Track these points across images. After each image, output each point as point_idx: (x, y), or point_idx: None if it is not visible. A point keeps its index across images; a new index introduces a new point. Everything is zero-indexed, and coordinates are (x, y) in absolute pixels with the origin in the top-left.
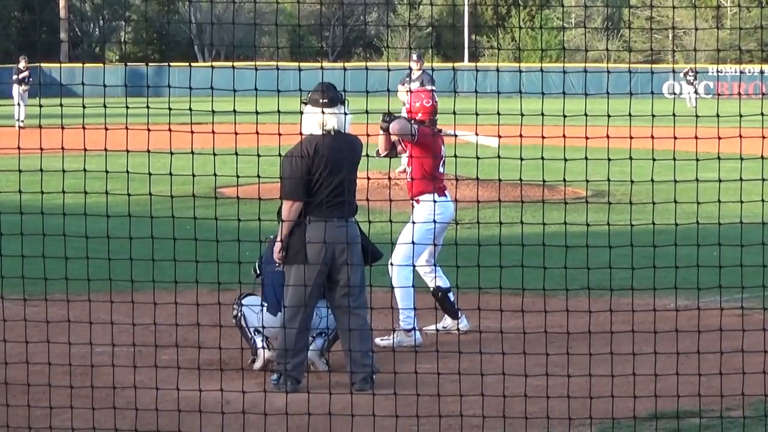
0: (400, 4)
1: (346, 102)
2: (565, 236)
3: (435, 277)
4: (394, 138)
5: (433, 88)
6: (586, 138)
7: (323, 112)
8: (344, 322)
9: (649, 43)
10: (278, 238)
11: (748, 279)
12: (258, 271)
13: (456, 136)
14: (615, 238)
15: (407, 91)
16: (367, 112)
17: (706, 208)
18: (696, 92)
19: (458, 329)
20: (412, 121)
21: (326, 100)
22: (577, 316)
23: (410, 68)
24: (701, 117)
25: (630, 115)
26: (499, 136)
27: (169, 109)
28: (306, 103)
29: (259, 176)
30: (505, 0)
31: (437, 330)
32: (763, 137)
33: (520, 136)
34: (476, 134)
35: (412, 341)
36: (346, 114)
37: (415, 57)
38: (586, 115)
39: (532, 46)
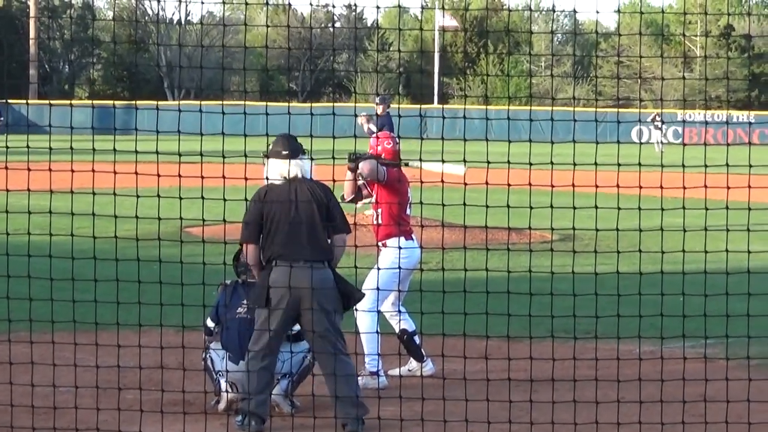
0: (370, 47)
1: (307, 153)
2: (530, 282)
3: (400, 320)
4: (360, 182)
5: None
6: (552, 186)
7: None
8: (326, 367)
9: (618, 89)
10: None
11: (711, 327)
12: (212, 325)
13: (421, 166)
14: (580, 284)
15: (366, 123)
16: (333, 157)
17: (670, 254)
18: (663, 138)
19: (421, 373)
20: (380, 160)
21: (287, 152)
22: (542, 362)
23: (376, 112)
24: (667, 165)
25: (596, 163)
26: (465, 161)
27: (136, 152)
28: (267, 156)
29: (225, 220)
30: (474, 44)
31: (401, 375)
32: (728, 187)
33: (486, 183)
34: (442, 162)
35: (377, 384)
36: (311, 159)
37: (377, 100)
38: (552, 163)
39: (501, 90)
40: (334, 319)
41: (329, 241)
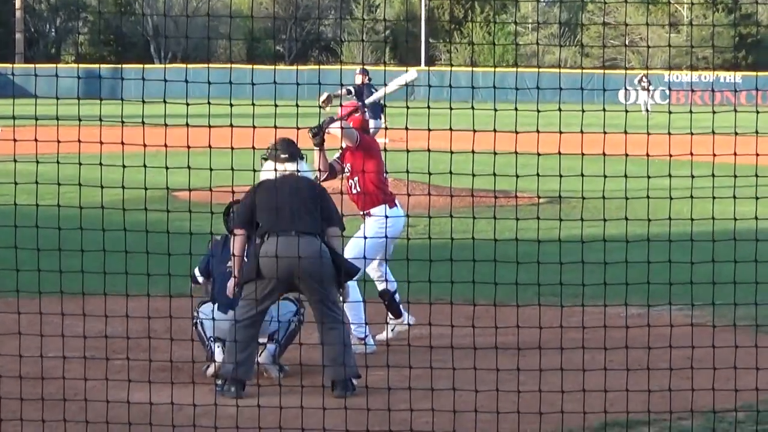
0: (357, 10)
1: (305, 157)
2: (516, 247)
3: (385, 281)
4: (332, 159)
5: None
6: (538, 154)
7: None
8: (321, 333)
9: (606, 50)
10: (233, 274)
11: (697, 291)
12: (196, 277)
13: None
14: (566, 249)
15: (327, 104)
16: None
17: (658, 219)
18: (651, 99)
19: (408, 331)
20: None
21: (285, 155)
22: (529, 327)
23: (356, 84)
24: (654, 125)
25: (581, 131)
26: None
27: (122, 122)
28: (265, 159)
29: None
30: (461, 6)
31: (388, 341)
32: (714, 155)
33: (472, 151)
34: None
35: (365, 350)
36: (306, 171)
37: (358, 71)
38: (537, 131)
39: (488, 52)
40: (328, 287)
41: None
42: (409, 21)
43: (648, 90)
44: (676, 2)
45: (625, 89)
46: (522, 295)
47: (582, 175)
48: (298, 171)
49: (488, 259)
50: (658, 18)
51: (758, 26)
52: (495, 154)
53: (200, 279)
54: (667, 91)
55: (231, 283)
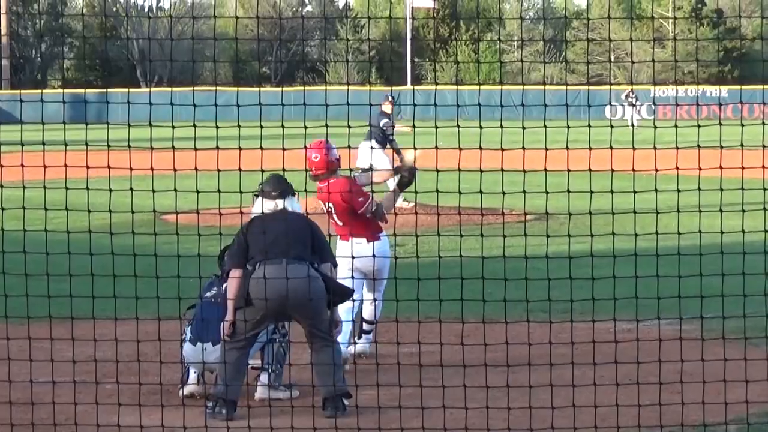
0: (342, 30)
1: (296, 194)
2: (504, 263)
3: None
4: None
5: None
6: (524, 171)
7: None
8: (313, 356)
9: (592, 65)
10: (227, 317)
11: (686, 305)
12: (189, 314)
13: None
14: (554, 265)
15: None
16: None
17: (646, 234)
18: (638, 114)
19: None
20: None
21: (276, 192)
22: (519, 344)
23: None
24: (641, 140)
25: (566, 147)
26: (415, 148)
27: (108, 146)
28: (258, 195)
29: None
30: (446, 24)
31: (354, 355)
32: (700, 168)
33: (458, 168)
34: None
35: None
36: (296, 208)
37: (386, 100)
38: (523, 148)
39: (474, 70)
40: (318, 310)
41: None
42: (395, 41)
43: (634, 105)
44: (661, 17)
45: (610, 104)
46: (510, 312)
47: (568, 191)
48: (291, 209)
49: (476, 277)
50: (643, 33)
51: (742, 39)
52: (481, 172)
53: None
54: (653, 106)
55: (225, 325)
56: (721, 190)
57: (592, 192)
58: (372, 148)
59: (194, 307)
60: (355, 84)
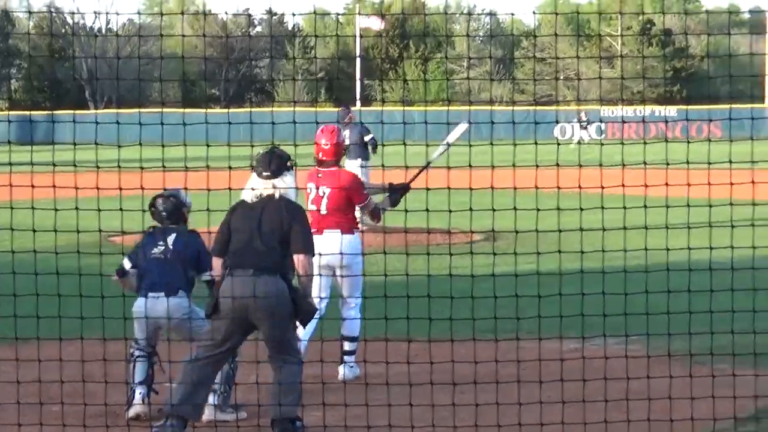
0: (291, 46)
1: (291, 167)
2: (450, 283)
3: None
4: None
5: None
6: (470, 188)
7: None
8: (272, 373)
9: (542, 86)
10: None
11: (631, 323)
12: (127, 265)
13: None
14: (501, 284)
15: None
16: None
17: (591, 253)
18: (588, 135)
19: None
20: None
21: (267, 173)
22: (466, 363)
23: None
24: (589, 159)
25: (513, 165)
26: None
27: (54, 167)
28: (252, 169)
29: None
30: (396, 44)
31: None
32: (646, 186)
33: (407, 187)
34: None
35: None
36: (290, 187)
37: (343, 110)
38: (470, 165)
39: (423, 91)
40: (282, 326)
41: (287, 259)
42: (344, 60)
43: (585, 124)
44: (608, 35)
45: (556, 122)
46: (457, 331)
47: (515, 210)
48: (280, 188)
49: (423, 296)
50: (593, 53)
51: (687, 58)
52: (428, 190)
53: (128, 266)
54: (603, 126)
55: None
56: (667, 207)
57: (538, 210)
58: (362, 167)
59: (132, 257)
60: (305, 104)
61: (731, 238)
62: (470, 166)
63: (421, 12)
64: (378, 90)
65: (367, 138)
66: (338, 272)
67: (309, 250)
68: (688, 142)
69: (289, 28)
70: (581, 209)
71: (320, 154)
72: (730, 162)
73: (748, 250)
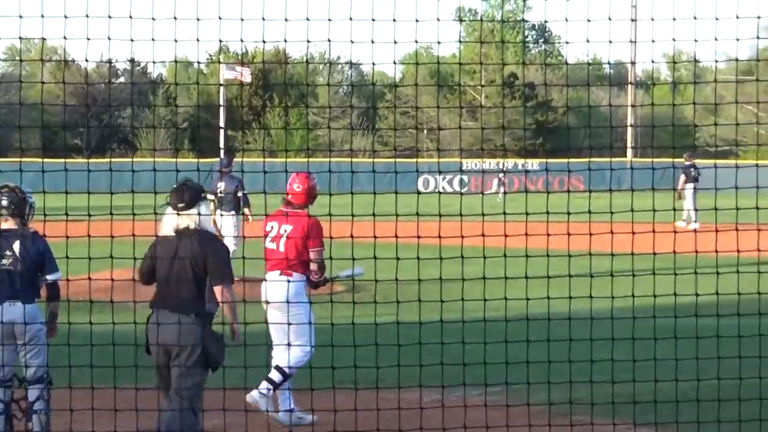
0: (154, 97)
1: (204, 196)
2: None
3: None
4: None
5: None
6: (331, 237)
7: (178, 214)
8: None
9: (404, 138)
10: None
11: (491, 373)
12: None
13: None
14: (361, 334)
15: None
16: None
17: (451, 303)
18: (459, 187)
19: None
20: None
21: (182, 204)
22: (325, 412)
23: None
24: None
25: (373, 214)
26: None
27: None
28: (167, 205)
29: None
30: (259, 95)
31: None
32: (506, 236)
33: (243, 236)
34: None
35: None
36: (205, 216)
37: (225, 158)
38: (330, 214)
39: (286, 143)
40: (186, 372)
41: (204, 290)
42: (208, 110)
43: (504, 184)
44: (467, 86)
45: (416, 171)
46: (318, 381)
47: (375, 258)
48: (198, 215)
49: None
50: (456, 104)
51: (548, 111)
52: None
53: None
54: (465, 178)
55: None
56: (527, 257)
57: (398, 259)
58: (221, 215)
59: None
60: (166, 155)
61: (590, 288)
62: (330, 215)
63: (284, 62)
64: (242, 141)
65: (240, 194)
66: (281, 318)
67: (226, 279)
68: (548, 192)
69: (153, 78)
70: (441, 259)
71: (290, 196)
72: (589, 213)
73: (606, 301)
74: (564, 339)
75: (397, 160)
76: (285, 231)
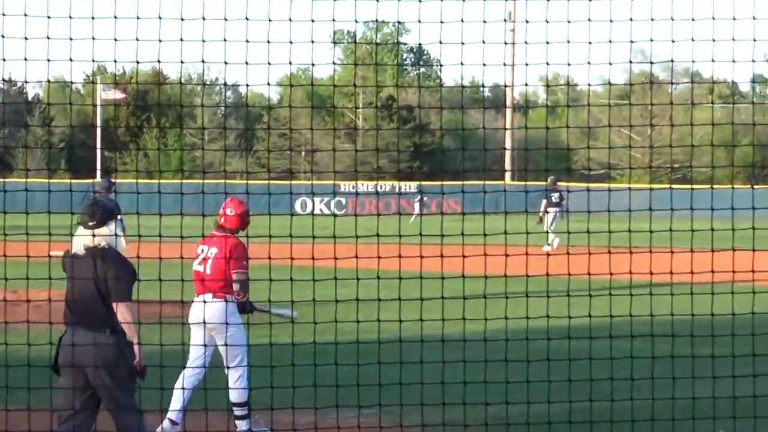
0: (30, 117)
1: (116, 213)
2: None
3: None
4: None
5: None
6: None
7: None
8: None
9: (282, 161)
10: None
11: (365, 395)
12: None
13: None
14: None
15: None
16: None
17: (325, 324)
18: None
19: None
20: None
21: (92, 222)
22: None
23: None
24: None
25: (269, 235)
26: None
27: None
28: (79, 224)
29: None
30: (137, 116)
31: None
32: (379, 257)
33: (137, 256)
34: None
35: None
36: (117, 235)
37: (105, 181)
38: (203, 235)
39: (163, 161)
40: (113, 386)
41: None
42: (83, 130)
43: (422, 206)
44: (344, 107)
45: (290, 193)
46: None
47: (270, 281)
48: (103, 244)
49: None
50: (337, 126)
51: (423, 132)
52: (182, 259)
53: None
54: (343, 200)
55: None
56: (421, 278)
57: (271, 281)
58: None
59: None
60: (41, 176)
61: (463, 311)
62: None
63: (162, 83)
64: (119, 162)
65: (119, 217)
66: (217, 340)
67: (123, 296)
68: (421, 214)
69: (29, 98)
70: (314, 281)
71: (222, 220)
72: (462, 235)
73: (479, 324)
74: (437, 361)
75: (272, 182)
76: (210, 254)
